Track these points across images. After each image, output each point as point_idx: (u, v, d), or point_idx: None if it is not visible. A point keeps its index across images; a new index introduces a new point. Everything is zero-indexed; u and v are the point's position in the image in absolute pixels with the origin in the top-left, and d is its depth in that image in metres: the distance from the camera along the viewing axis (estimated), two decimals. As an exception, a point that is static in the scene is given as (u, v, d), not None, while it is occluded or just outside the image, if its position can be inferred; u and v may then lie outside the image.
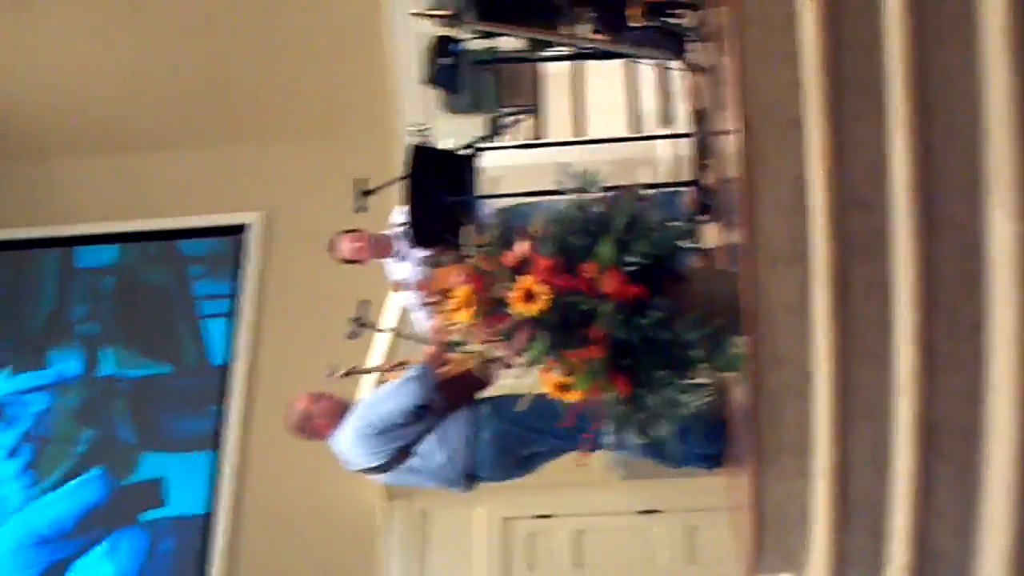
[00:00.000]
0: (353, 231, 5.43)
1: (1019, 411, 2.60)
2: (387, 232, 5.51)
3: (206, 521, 7.71)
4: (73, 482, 8.07)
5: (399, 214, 5.35)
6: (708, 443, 4.07)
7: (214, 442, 8.00)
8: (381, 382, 4.88)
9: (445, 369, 4.47)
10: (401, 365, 4.95)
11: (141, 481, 8.06)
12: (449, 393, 4.45)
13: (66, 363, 8.56)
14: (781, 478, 3.10)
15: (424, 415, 4.43)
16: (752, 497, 3.13)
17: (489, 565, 6.98)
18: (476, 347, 3.39)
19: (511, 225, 3.44)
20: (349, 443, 4.51)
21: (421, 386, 4.38)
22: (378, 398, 4.45)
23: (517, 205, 5.15)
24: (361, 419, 4.46)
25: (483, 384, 4.50)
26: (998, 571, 2.74)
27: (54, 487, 8.08)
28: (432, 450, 4.47)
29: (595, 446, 3.61)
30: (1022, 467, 2.63)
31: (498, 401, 4.45)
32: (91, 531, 7.91)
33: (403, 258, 5.44)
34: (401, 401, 4.39)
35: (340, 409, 4.58)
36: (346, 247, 5.39)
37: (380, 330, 5.11)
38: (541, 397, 3.35)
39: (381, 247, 5.45)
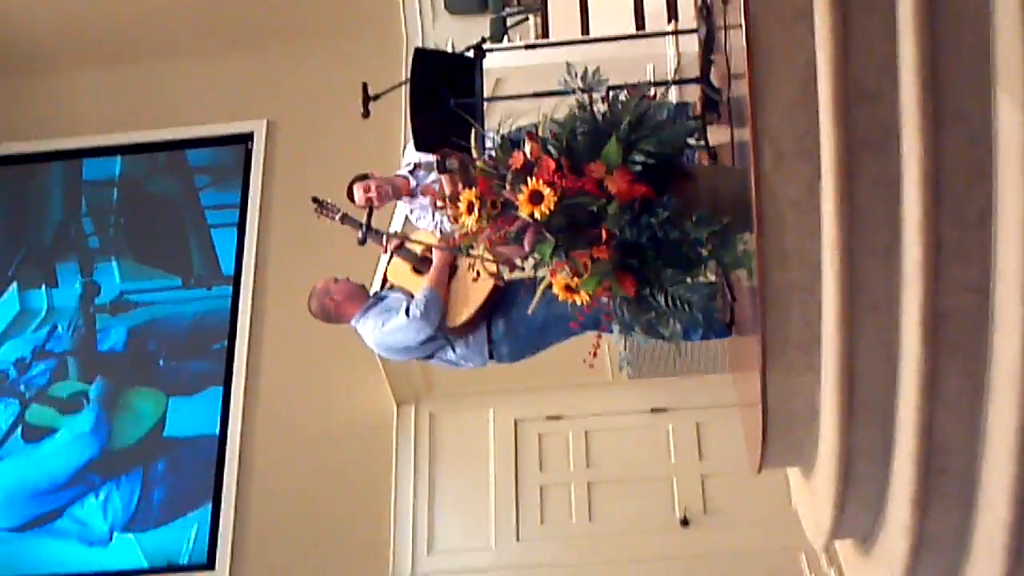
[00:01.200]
0: (363, 177, 5.29)
1: (1026, 301, 2.61)
2: (399, 173, 5.43)
3: (221, 434, 7.79)
4: (83, 405, 8.16)
5: (411, 153, 5.28)
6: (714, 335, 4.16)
7: (226, 355, 8.07)
8: (393, 286, 4.90)
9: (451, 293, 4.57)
10: (402, 244, 4.97)
11: (149, 399, 8.14)
12: (460, 327, 4.57)
13: (73, 277, 8.60)
14: (788, 373, 3.12)
15: (439, 335, 4.56)
16: (760, 393, 3.15)
17: (500, 466, 7.07)
18: (483, 252, 3.40)
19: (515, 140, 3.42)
20: (373, 346, 4.75)
21: (428, 323, 4.51)
22: (390, 329, 4.54)
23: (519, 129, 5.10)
24: (378, 338, 4.64)
25: (492, 304, 4.56)
26: (1004, 461, 2.76)
27: (62, 405, 8.17)
28: (455, 360, 4.69)
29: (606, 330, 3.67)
30: (1029, 357, 2.64)
31: (511, 316, 4.53)
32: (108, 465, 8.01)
33: (416, 196, 5.35)
34: (411, 336, 4.55)
35: (358, 292, 4.76)
36: (358, 198, 5.27)
37: (389, 235, 5.12)
38: (551, 296, 3.36)
39: (396, 189, 5.32)
